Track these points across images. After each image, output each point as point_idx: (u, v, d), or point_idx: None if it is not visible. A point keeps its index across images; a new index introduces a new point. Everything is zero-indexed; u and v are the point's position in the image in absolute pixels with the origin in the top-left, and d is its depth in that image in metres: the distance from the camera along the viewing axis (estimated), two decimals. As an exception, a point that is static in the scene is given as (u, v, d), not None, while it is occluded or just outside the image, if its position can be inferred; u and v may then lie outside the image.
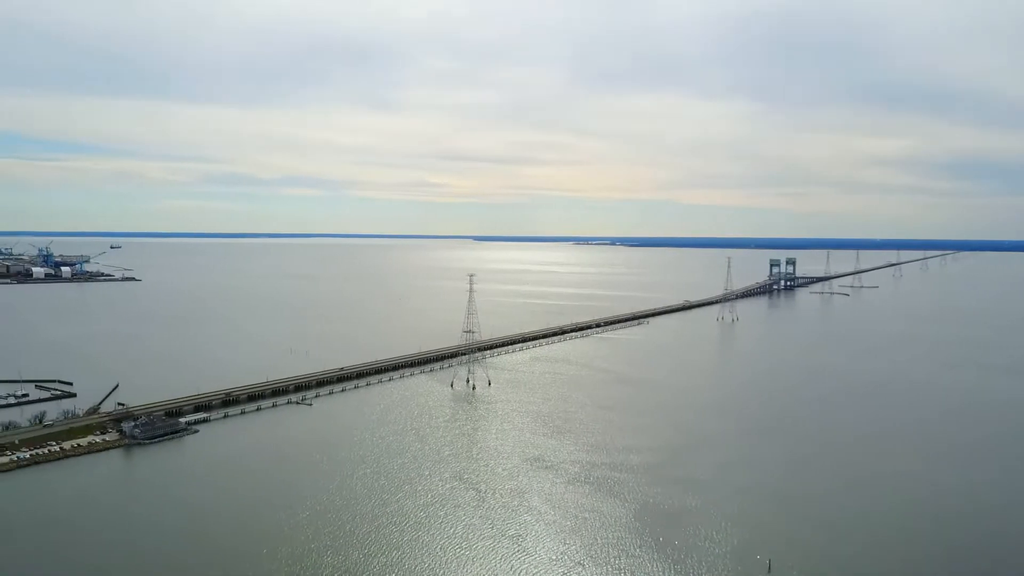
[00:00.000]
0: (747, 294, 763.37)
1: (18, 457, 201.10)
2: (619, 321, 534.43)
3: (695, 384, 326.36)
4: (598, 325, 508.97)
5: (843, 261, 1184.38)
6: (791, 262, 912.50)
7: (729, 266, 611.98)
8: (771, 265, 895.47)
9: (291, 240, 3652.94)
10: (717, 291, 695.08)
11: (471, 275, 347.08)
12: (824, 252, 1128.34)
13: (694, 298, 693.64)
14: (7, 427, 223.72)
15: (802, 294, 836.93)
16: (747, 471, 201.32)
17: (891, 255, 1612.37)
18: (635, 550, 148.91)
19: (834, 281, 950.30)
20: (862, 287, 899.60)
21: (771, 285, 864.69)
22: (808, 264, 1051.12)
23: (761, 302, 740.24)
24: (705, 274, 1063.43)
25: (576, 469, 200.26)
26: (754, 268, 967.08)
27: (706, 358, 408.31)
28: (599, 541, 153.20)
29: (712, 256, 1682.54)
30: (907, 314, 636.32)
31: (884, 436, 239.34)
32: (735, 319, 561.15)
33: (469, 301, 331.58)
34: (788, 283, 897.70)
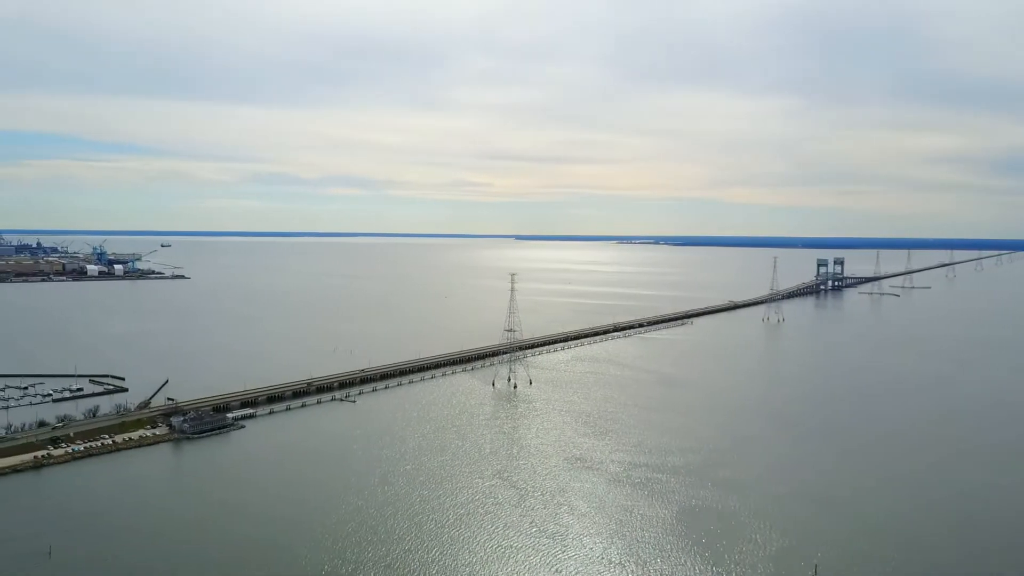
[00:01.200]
0: (793, 294, 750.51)
1: (73, 449, 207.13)
2: (662, 321, 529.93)
3: (739, 386, 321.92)
4: (641, 325, 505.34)
5: (894, 261, 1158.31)
6: (839, 262, 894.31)
7: (775, 266, 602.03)
8: (818, 265, 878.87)
9: (334, 239, 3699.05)
10: (762, 291, 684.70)
11: (513, 274, 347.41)
12: (874, 252, 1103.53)
13: (739, 298, 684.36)
14: (62, 420, 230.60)
15: (850, 295, 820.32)
16: (792, 474, 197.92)
17: (944, 255, 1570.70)
18: (677, 552, 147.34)
19: (884, 281, 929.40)
20: (913, 288, 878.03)
21: (818, 285, 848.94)
22: (857, 264, 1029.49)
23: (808, 303, 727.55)
24: (750, 274, 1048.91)
25: (617, 469, 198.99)
26: (801, 268, 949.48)
27: (751, 359, 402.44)
28: (640, 542, 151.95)
29: (757, 255, 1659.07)
30: (959, 316, 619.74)
31: (934, 440, 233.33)
32: (781, 320, 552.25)
33: (511, 300, 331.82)
34: (836, 283, 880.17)
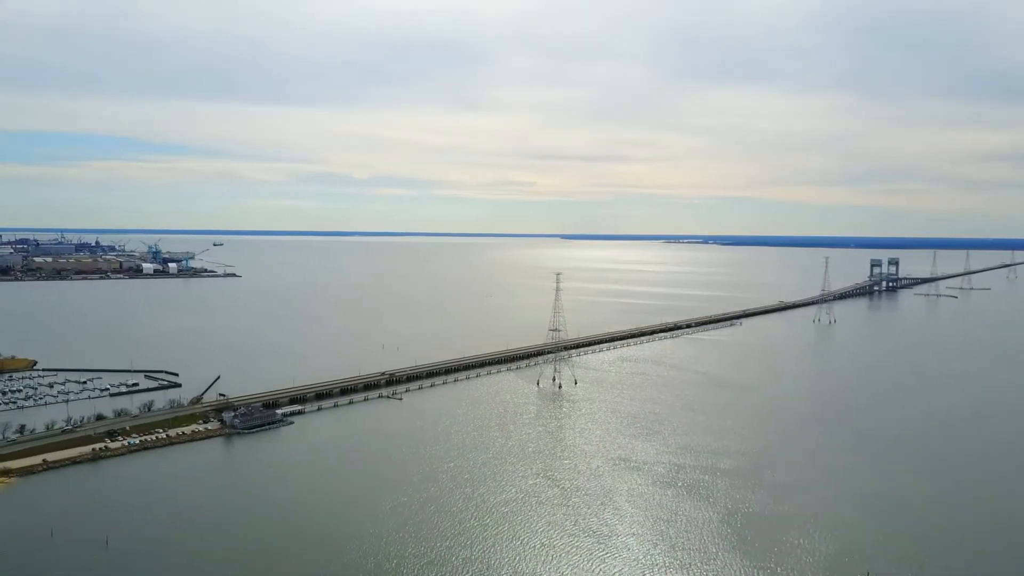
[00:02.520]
0: (846, 295, 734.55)
1: (128, 443, 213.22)
2: (710, 322, 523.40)
3: (789, 388, 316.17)
4: (688, 325, 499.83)
5: (951, 261, 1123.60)
6: (894, 262, 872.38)
7: (827, 266, 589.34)
8: (872, 265, 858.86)
9: (381, 238, 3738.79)
10: (814, 292, 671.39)
11: (558, 273, 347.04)
12: (930, 252, 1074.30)
13: (789, 298, 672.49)
14: (119, 414, 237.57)
15: (905, 296, 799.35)
16: (844, 479, 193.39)
17: (1005, 255, 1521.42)
18: (723, 555, 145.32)
19: (941, 283, 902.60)
20: (972, 289, 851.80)
21: (872, 286, 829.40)
22: (913, 264, 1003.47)
23: (861, 303, 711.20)
24: (801, 274, 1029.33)
25: (662, 470, 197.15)
26: (854, 268, 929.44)
27: (801, 361, 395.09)
28: (685, 545, 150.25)
29: (808, 255, 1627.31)
30: (1020, 317, 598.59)
31: (989, 443, 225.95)
32: (832, 321, 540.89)
33: (556, 300, 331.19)
34: (890, 284, 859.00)
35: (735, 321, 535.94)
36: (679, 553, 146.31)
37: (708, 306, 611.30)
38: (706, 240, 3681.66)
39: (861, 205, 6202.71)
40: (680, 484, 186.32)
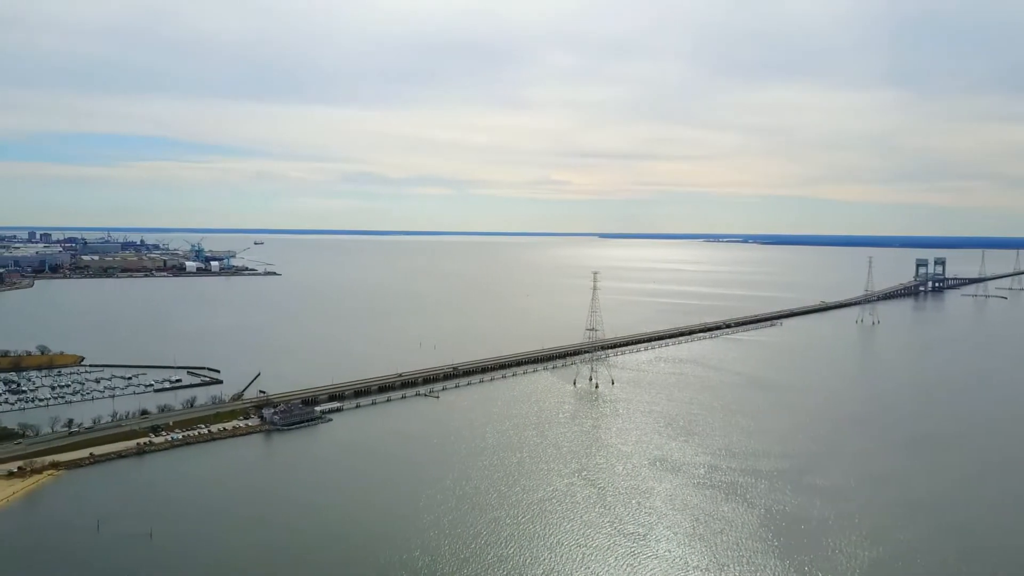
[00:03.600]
0: (890, 295, 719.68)
1: (172, 438, 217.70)
2: (751, 322, 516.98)
3: (831, 390, 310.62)
4: (728, 326, 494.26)
5: (1001, 261, 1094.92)
6: (940, 262, 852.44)
7: (870, 265, 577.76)
8: (918, 265, 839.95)
9: (420, 237, 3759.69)
10: (857, 292, 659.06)
11: (595, 272, 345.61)
12: (979, 251, 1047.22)
13: (831, 299, 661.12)
14: (163, 409, 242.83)
15: (952, 296, 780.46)
16: (888, 485, 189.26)
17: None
18: (760, 558, 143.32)
19: (990, 283, 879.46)
20: (1022, 290, 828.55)
21: (917, 286, 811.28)
22: (960, 264, 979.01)
23: (906, 304, 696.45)
24: (844, 274, 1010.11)
25: (700, 472, 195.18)
26: (899, 268, 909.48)
27: (844, 363, 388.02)
28: (722, 547, 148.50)
29: (852, 255, 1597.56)
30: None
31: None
32: (876, 322, 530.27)
33: (593, 299, 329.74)
34: (937, 284, 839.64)
35: (775, 321, 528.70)
36: (716, 556, 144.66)
37: (748, 306, 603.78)
38: (746, 239, 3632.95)
39: (905, 203, 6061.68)
40: (718, 485, 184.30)
